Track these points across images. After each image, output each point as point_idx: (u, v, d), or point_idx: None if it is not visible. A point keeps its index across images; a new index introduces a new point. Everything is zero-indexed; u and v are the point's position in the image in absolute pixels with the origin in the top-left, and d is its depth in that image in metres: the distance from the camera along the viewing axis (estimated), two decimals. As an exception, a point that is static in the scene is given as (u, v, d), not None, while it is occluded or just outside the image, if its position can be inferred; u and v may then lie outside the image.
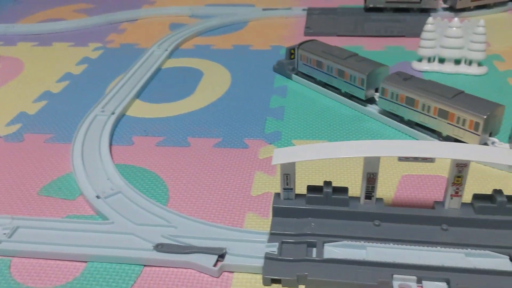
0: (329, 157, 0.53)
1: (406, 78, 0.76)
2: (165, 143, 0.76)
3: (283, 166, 0.55)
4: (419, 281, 0.49)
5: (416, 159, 0.52)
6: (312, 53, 0.90)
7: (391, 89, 0.76)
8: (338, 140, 0.76)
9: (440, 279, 0.48)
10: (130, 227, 0.57)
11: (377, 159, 0.53)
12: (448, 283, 0.48)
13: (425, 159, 0.52)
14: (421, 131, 0.75)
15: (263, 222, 0.59)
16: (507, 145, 0.67)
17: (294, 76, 0.96)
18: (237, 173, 0.69)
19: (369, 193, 0.56)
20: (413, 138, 0.75)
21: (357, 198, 0.57)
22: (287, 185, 0.57)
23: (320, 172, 0.68)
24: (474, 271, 0.49)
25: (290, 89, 0.93)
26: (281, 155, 0.55)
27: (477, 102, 0.68)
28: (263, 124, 0.81)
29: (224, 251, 0.53)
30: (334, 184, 0.58)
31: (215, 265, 0.52)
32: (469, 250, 0.51)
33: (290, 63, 0.98)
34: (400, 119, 0.77)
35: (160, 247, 0.54)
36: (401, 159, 0.53)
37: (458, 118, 0.68)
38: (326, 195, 0.56)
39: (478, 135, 0.66)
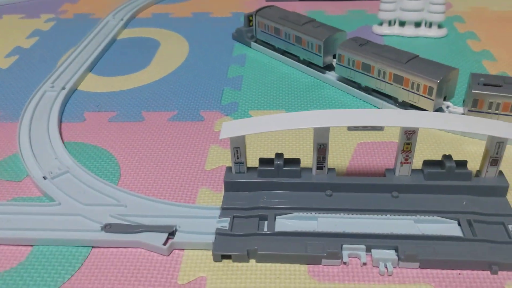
0: (278, 129, 0.52)
1: (362, 44, 0.75)
2: (118, 118, 0.74)
3: (233, 139, 0.54)
4: (368, 249, 0.49)
5: (365, 128, 0.52)
6: (269, 20, 0.88)
7: (347, 55, 0.75)
8: (296, 109, 0.75)
9: (389, 247, 0.48)
10: (77, 208, 0.55)
11: (327, 129, 0.52)
12: (396, 250, 0.48)
13: (374, 128, 0.51)
14: (378, 97, 0.74)
15: (216, 197, 0.58)
16: (461, 109, 0.67)
17: (253, 44, 0.94)
18: (192, 147, 0.67)
19: (321, 163, 0.55)
20: (371, 104, 0.75)
21: (309, 169, 0.56)
22: (238, 158, 0.55)
23: (274, 144, 0.67)
24: (422, 238, 0.49)
25: (249, 58, 0.91)
26: (229, 129, 0.53)
27: (431, 66, 0.68)
28: (220, 95, 0.79)
29: (174, 228, 0.52)
30: (287, 156, 0.58)
31: (164, 243, 0.51)
32: (418, 217, 0.51)
33: (249, 31, 0.95)
34: (358, 86, 0.76)
35: (108, 228, 0.53)
36: (350, 128, 0.52)
37: (412, 83, 0.68)
38: (277, 168, 0.55)
39: (432, 99, 0.66)
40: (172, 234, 0.52)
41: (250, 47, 0.94)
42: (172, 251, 0.51)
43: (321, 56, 0.80)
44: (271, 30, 0.88)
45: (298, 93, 0.79)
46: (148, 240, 0.51)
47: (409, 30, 0.96)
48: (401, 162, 0.54)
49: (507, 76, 0.64)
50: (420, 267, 0.47)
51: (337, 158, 0.64)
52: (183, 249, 0.51)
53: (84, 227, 0.53)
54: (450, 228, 0.51)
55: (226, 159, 0.64)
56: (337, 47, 0.79)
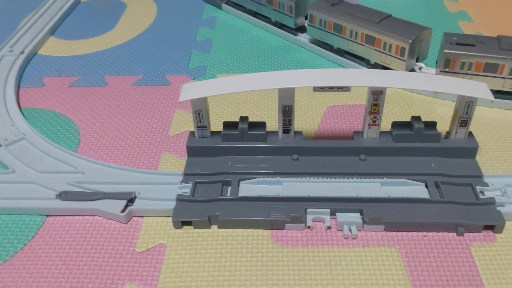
0: (240, 90, 0.50)
1: (334, 4, 0.72)
2: (80, 83, 0.71)
3: (194, 102, 0.51)
4: (333, 213, 0.47)
5: (331, 88, 0.49)
6: (240, -20, 0.84)
7: (319, 15, 0.72)
8: (268, 71, 0.72)
9: (354, 210, 0.47)
10: (32, 176, 0.53)
11: (291, 90, 0.50)
12: (361, 213, 0.47)
13: (340, 88, 0.49)
14: (351, 59, 0.72)
15: (180, 163, 0.56)
16: (434, 70, 0.65)
17: (224, 5, 0.90)
18: (157, 112, 0.64)
19: (287, 127, 0.53)
20: (343, 67, 0.72)
21: (275, 133, 0.54)
22: (200, 122, 0.53)
23: (240, 106, 0.65)
24: (387, 200, 0.47)
25: (219, 20, 0.88)
26: (189, 91, 0.51)
27: (403, 26, 0.65)
28: (187, 58, 0.76)
29: (133, 195, 0.50)
30: (253, 119, 0.56)
31: (123, 210, 0.49)
32: (385, 180, 0.50)
33: (219, -8, 0.91)
34: (330, 48, 0.74)
35: (63, 195, 0.50)
36: (316, 89, 0.50)
37: (384, 43, 0.65)
38: (242, 131, 0.53)
39: (404, 60, 0.64)
40: (131, 201, 0.50)
41: (221, 9, 0.91)
42: (130, 219, 0.49)
43: (292, 17, 0.77)
44: (244, -10, 0.84)
45: (269, 56, 0.76)
46: (106, 208, 0.49)
47: (385, -9, 0.93)
48: (369, 124, 0.52)
49: (480, 35, 0.62)
50: (385, 230, 0.46)
51: (307, 121, 0.62)
52: (143, 216, 0.49)
53: (38, 195, 0.50)
54: (417, 190, 0.49)
55: (191, 124, 0.62)
56: (307, 7, 0.76)
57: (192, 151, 0.54)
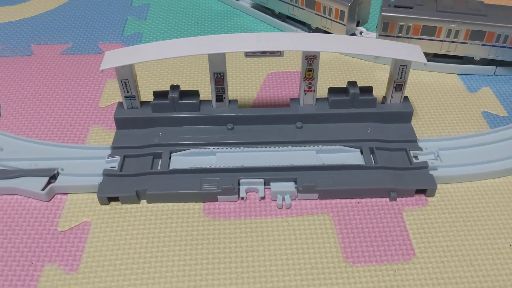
0: (166, 56, 0.47)
1: (273, -34, 0.69)
2: (2, 53, 0.66)
3: (119, 70, 0.48)
4: (267, 183, 0.46)
5: (263, 53, 0.47)
6: None
7: (258, -22, 0.69)
8: (204, 39, 0.69)
9: (288, 179, 0.46)
10: None
11: (222, 56, 0.48)
12: (295, 182, 0.46)
13: (272, 53, 0.47)
14: (293, 24, 0.69)
15: (109, 136, 0.53)
16: (375, 34, 0.64)
17: (162, -31, 0.85)
18: (87, 82, 0.61)
19: (220, 95, 0.51)
20: (284, 31, 0.70)
21: (209, 102, 0.52)
22: (128, 92, 0.50)
23: (172, 74, 0.62)
24: (321, 168, 0.46)
25: (158, -16, 0.83)
26: (111, 58, 0.48)
27: (343, -12, 0.63)
28: (122, 25, 0.72)
29: (55, 171, 0.47)
30: (186, 88, 0.53)
31: (44, 188, 0.46)
32: (320, 147, 0.49)
33: (157, -46, 0.86)
34: (271, 12, 0.71)
35: (-20, 174, 0.47)
36: (247, 54, 0.47)
37: (324, 7, 0.63)
38: (172, 101, 0.50)
39: (344, 24, 0.62)
40: (53, 177, 0.47)
41: (160, -27, 0.86)
42: (53, 196, 0.46)
43: (232, -19, 0.73)
44: (179, -48, 0.80)
45: (209, 22, 0.73)
46: (25, 186, 0.46)
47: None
48: (304, 91, 0.51)
49: (420, -3, 0.61)
50: (319, 198, 0.45)
51: (246, 89, 0.60)
52: (67, 194, 0.46)
53: (-49, 175, 0.47)
54: (352, 157, 0.48)
55: (123, 95, 0.59)
56: (249, -30, 0.73)
57: (121, 123, 0.51)
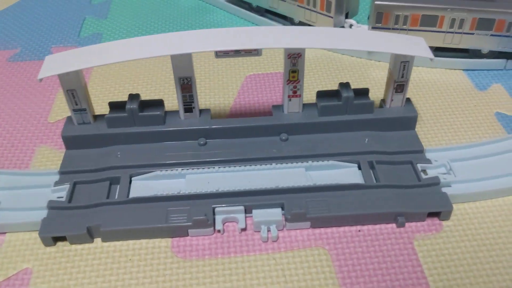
0: (119, 60, 0.38)
1: (249, -48, 0.61)
2: None
3: (64, 79, 0.40)
4: (248, 211, 0.38)
5: (237, 52, 0.39)
6: None
7: (232, -32, 0.61)
8: (173, 38, 0.61)
9: (273, 205, 0.38)
10: None
11: (188, 58, 0.39)
12: (282, 208, 0.38)
13: (248, 52, 0.39)
14: (273, 19, 0.61)
15: (58, 158, 0.44)
16: (366, 27, 0.56)
17: (126, -38, 0.77)
18: (35, 94, 0.52)
19: (188, 104, 0.43)
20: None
21: (176, 113, 0.44)
22: (77, 105, 0.42)
23: (131, 81, 0.53)
24: (313, 189, 0.38)
25: (120, -21, 0.75)
26: (52, 64, 0.39)
27: (329, -24, 0.56)
28: (79, 25, 0.63)
29: (-11, 206, 0.38)
30: (147, 97, 0.45)
31: (-25, 228, 0.37)
32: (310, 163, 0.41)
33: None
34: (249, 6, 0.63)
35: None
36: (218, 55, 0.39)
37: (308, -2, 0.56)
38: (131, 113, 0.42)
39: (331, 17, 0.55)
40: (-13, 213, 0.38)
41: (124, -34, 0.77)
42: (-14, 238, 0.38)
43: (202, -28, 0.65)
44: None
45: (179, 20, 0.65)
46: (-48, 226, 0.37)
47: None
48: (289, 96, 0.43)
49: (415, -17, 0.53)
50: (311, 226, 0.37)
51: (220, 96, 0.51)
52: (5, 233, 0.38)
53: None
54: (348, 174, 0.41)
55: (78, 107, 0.50)
56: (222, -41, 0.65)
57: (71, 142, 0.43)
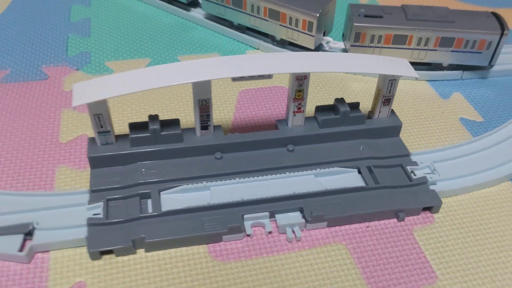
0: (147, 88, 0.42)
1: (230, -25, 0.66)
2: None
3: (92, 105, 0.42)
4: (272, 215, 0.43)
5: (252, 77, 0.44)
6: None
7: (215, -12, 0.65)
8: (162, 56, 0.64)
9: (293, 209, 0.43)
10: None
11: (208, 83, 0.44)
12: (302, 211, 0.43)
13: (261, 76, 0.44)
14: (254, 36, 0.66)
15: (80, 177, 0.47)
16: (342, 44, 0.63)
17: (98, -22, 0.78)
18: (38, 115, 0.54)
19: (205, 122, 0.47)
20: (246, 45, 0.67)
21: (192, 130, 0.48)
22: (102, 127, 0.44)
23: (146, 102, 0.56)
24: (325, 193, 0.44)
25: (96, -5, 0.76)
26: (82, 92, 0.42)
27: (308, -2, 0.62)
28: (64, 44, 0.65)
29: (30, 227, 0.40)
30: (163, 117, 0.49)
31: (21, 248, 0.39)
32: (318, 170, 0.47)
33: (90, -38, 0.79)
34: (230, 24, 0.68)
35: None
36: (235, 79, 0.44)
37: (290, 18, 0.61)
38: (153, 133, 0.45)
39: (313, 35, 0.61)
40: (29, 234, 0.40)
41: (96, -18, 0.79)
42: (33, 256, 0.40)
43: (183, -9, 0.69)
44: (119, -39, 0.73)
45: (162, 37, 0.68)
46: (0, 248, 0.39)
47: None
48: (293, 112, 0.48)
49: (386, 6, 0.60)
50: (328, 226, 0.43)
51: (220, 112, 0.56)
52: (48, 251, 0.40)
53: None
54: (351, 177, 0.47)
55: (85, 126, 0.52)
56: (200, -21, 0.69)
57: (96, 162, 0.45)
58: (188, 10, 0.71)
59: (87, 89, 0.42)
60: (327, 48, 0.64)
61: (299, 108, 0.48)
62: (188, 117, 0.54)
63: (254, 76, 0.44)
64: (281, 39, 0.64)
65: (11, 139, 0.50)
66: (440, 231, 0.43)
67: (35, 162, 0.48)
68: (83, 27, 0.68)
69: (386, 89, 0.48)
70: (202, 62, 0.44)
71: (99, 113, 0.43)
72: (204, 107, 0.46)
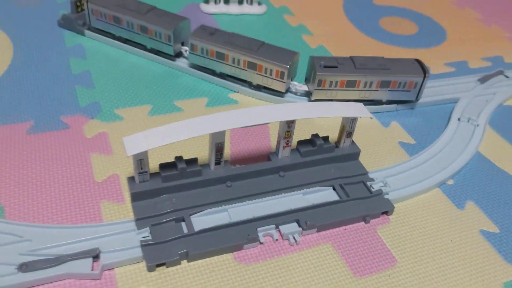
0: (183, 138, 0.55)
1: (212, 33, 0.80)
2: (-33, 139, 0.65)
3: (137, 154, 0.55)
4: (277, 227, 0.58)
5: (256, 125, 0.59)
6: (105, 8, 0.85)
7: (200, 44, 0.79)
8: (161, 101, 0.77)
9: (291, 221, 0.59)
10: (-24, 256, 0.50)
11: (224, 131, 0.58)
12: (298, 222, 0.59)
13: (263, 124, 0.59)
14: (234, 82, 0.81)
15: (122, 208, 0.59)
16: (305, 86, 0.79)
17: (87, 32, 0.89)
18: (71, 159, 0.65)
19: (219, 159, 0.61)
20: (227, 89, 0.81)
21: (206, 165, 0.62)
22: (142, 169, 0.57)
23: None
24: (313, 207, 0.60)
25: (88, 48, 0.87)
26: (133, 144, 0.55)
27: (278, 52, 0.77)
28: (74, 95, 0.76)
29: (97, 251, 0.52)
30: (173, 155, 0.62)
31: (93, 268, 0.51)
32: (304, 190, 0.62)
33: (79, 17, 0.90)
34: (212, 72, 0.82)
35: (24, 268, 0.50)
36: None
37: (266, 68, 0.77)
38: (181, 171, 0.59)
39: (284, 82, 0.77)
40: (96, 257, 0.52)
41: (84, 36, 0.90)
42: (102, 274, 0.52)
43: (171, 46, 0.82)
44: (110, 18, 0.85)
45: (156, 84, 0.80)
46: (75, 269, 0.51)
47: (234, 8, 1.04)
48: (283, 147, 0.64)
49: (339, 57, 0.78)
50: (317, 231, 0.59)
51: (216, 146, 0.70)
52: (113, 269, 0.52)
53: (-6, 275, 0.49)
54: (329, 194, 0.63)
55: (113, 166, 0.64)
56: (183, 35, 0.83)
57: (137, 196, 0.58)
58: (174, 60, 0.85)
59: (135, 141, 0.55)
60: (293, 90, 0.80)
61: (287, 143, 0.64)
62: (197, 153, 0.68)
63: (258, 124, 0.59)
64: (257, 84, 0.79)
65: (54, 181, 0.61)
66: (395, 228, 0.60)
67: (81, 199, 0.59)
68: (85, 79, 0.80)
69: (349, 126, 0.65)
70: (219, 115, 0.58)
71: (142, 158, 0.56)
72: (219, 148, 0.60)
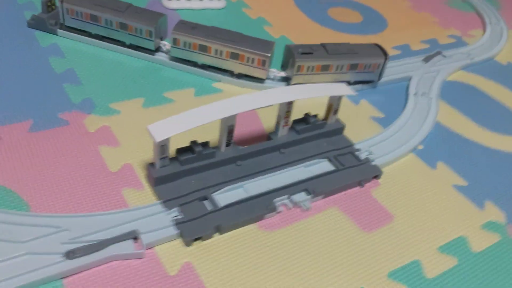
0: (204, 122, 0.60)
1: (193, 27, 0.84)
2: (-31, 142, 0.65)
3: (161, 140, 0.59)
4: (289, 197, 0.65)
5: (267, 106, 0.65)
6: (81, 7, 0.86)
7: (183, 39, 0.83)
8: (152, 93, 0.80)
9: (301, 190, 0.66)
10: (19, 248, 0.52)
11: (236, 114, 0.64)
12: (307, 190, 0.66)
13: (269, 105, 0.66)
14: (215, 72, 0.86)
15: (143, 195, 0.62)
16: (283, 72, 0.87)
17: (60, 31, 0.89)
18: (80, 153, 0.67)
19: (229, 141, 0.66)
20: (209, 78, 0.86)
21: (216, 148, 0.67)
22: (163, 154, 0.61)
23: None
24: (317, 177, 0.68)
25: (64, 47, 0.87)
26: (159, 131, 0.59)
27: (257, 42, 0.84)
28: (64, 94, 0.77)
29: (138, 232, 0.56)
30: (186, 138, 0.66)
31: (138, 248, 0.55)
32: (306, 163, 0.70)
33: (51, 17, 0.90)
34: (194, 64, 0.86)
35: (72, 255, 0.52)
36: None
37: (248, 58, 0.83)
38: (198, 153, 0.64)
39: (266, 69, 0.83)
40: (135, 238, 0.56)
41: (57, 35, 0.90)
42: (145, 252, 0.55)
43: (152, 41, 0.85)
44: (86, 17, 0.86)
45: (141, 78, 0.83)
46: (120, 251, 0.54)
47: (195, 3, 1.08)
48: (283, 126, 0.70)
49: (312, 44, 0.86)
50: (323, 197, 0.67)
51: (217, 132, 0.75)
52: (153, 247, 0.56)
53: (42, 264, 0.51)
54: (326, 165, 0.71)
55: (124, 156, 0.67)
56: (162, 30, 0.87)
57: (159, 181, 0.62)
58: (153, 55, 0.88)
59: (161, 128, 0.58)
60: (271, 77, 0.87)
61: (286, 123, 0.70)
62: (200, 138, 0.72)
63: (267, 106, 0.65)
64: (239, 73, 0.85)
65: (71, 174, 0.63)
66: (385, 189, 0.70)
67: (103, 189, 0.62)
68: (71, 77, 0.80)
69: (336, 103, 0.73)
70: (231, 100, 0.63)
71: (165, 144, 0.60)
72: (230, 130, 0.65)
